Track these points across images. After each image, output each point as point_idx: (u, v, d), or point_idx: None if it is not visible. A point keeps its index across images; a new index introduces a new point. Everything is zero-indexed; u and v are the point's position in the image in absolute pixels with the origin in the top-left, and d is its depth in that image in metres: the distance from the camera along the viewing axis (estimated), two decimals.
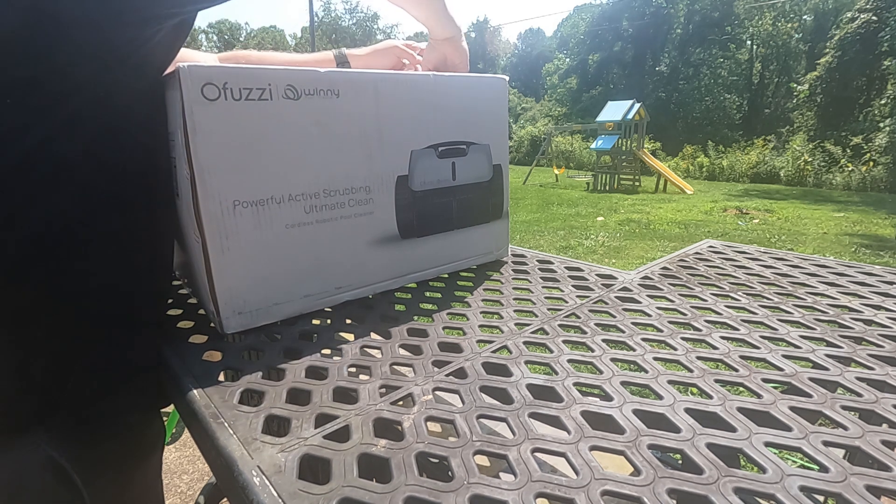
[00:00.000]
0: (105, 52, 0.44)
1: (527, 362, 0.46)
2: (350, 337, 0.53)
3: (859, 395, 0.40)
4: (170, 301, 0.65)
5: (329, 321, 0.57)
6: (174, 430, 1.76)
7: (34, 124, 0.42)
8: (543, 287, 0.68)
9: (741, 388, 0.42)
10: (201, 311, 0.61)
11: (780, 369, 0.45)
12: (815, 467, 0.32)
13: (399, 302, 0.62)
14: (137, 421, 0.54)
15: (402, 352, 0.50)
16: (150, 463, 0.57)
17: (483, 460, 0.34)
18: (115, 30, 0.43)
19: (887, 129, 10.51)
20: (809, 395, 0.40)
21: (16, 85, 0.41)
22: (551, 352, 0.49)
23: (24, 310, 0.44)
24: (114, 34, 0.43)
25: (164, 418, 1.85)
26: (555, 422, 0.38)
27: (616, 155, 10.00)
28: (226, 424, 0.37)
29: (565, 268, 0.76)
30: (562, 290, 0.66)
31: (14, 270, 0.43)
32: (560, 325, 0.55)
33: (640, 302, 0.61)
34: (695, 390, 0.42)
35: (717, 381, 0.42)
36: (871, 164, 10.41)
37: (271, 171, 0.51)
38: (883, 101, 11.58)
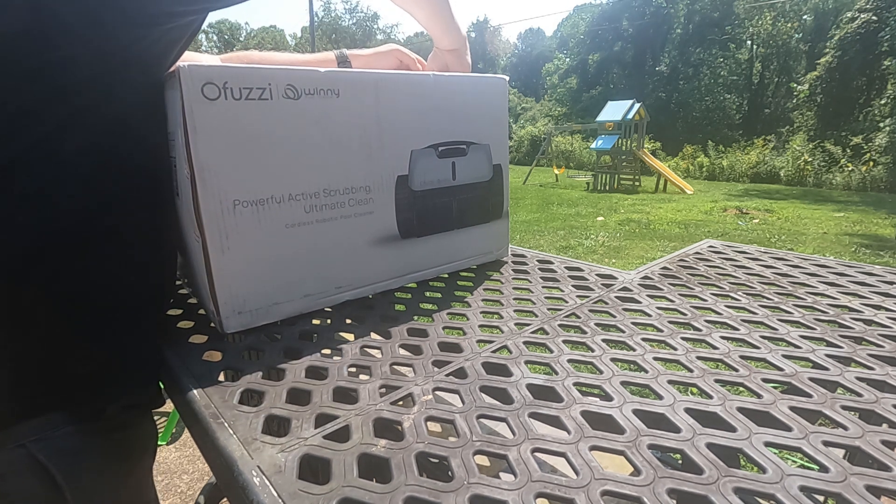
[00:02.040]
0: (111, 50, 0.44)
1: (527, 362, 0.46)
2: (350, 337, 0.53)
3: (859, 395, 0.40)
4: (171, 301, 0.64)
5: (329, 321, 0.57)
6: (174, 430, 1.76)
7: (37, 119, 0.42)
8: (543, 287, 0.68)
9: (741, 388, 0.42)
10: (201, 311, 0.61)
11: (780, 369, 0.45)
12: (815, 467, 0.32)
13: (399, 302, 0.62)
14: (126, 422, 0.53)
15: (402, 352, 0.50)
16: (138, 466, 0.56)
17: (483, 460, 0.34)
18: (120, 28, 0.43)
19: (887, 129, 10.51)
20: (809, 395, 0.40)
21: (20, 77, 0.41)
22: (551, 352, 0.49)
23: (24, 307, 0.44)
24: (119, 32, 0.43)
25: (164, 418, 1.85)
26: (555, 422, 0.38)
27: (616, 155, 9.99)
28: (226, 424, 0.37)
29: (565, 268, 0.76)
30: (562, 290, 0.66)
31: (15, 267, 0.43)
32: (560, 325, 0.55)
33: (640, 302, 0.61)
34: (695, 390, 0.42)
35: (717, 380, 0.42)
36: (871, 164, 10.41)
37: (271, 171, 0.51)
38: (883, 101, 11.58)
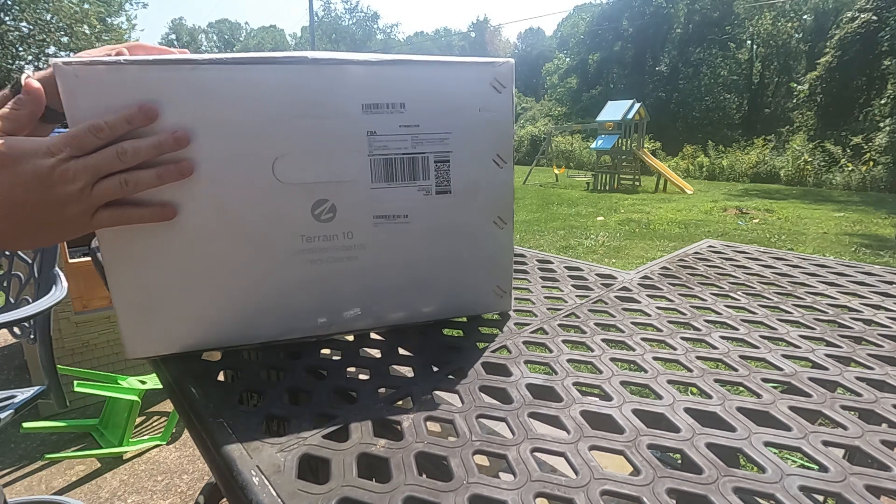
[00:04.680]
0: None
1: (526, 362, 0.46)
2: (350, 337, 0.53)
3: (859, 394, 0.40)
4: None
5: None
6: (174, 430, 1.76)
7: None
8: (543, 287, 0.68)
9: (741, 388, 0.42)
10: None
11: (780, 369, 0.45)
12: (815, 467, 0.32)
13: None
14: None
15: (402, 352, 0.50)
16: None
17: (482, 460, 0.34)
18: None
19: (887, 128, 10.52)
20: (809, 395, 0.40)
21: None
22: (551, 351, 0.49)
23: None
24: None
25: (165, 418, 1.85)
26: (554, 421, 0.38)
27: (616, 155, 10.00)
28: (225, 424, 0.37)
29: (565, 267, 0.76)
30: (561, 290, 0.66)
31: None
32: (560, 325, 0.55)
33: (639, 302, 0.61)
34: (694, 390, 0.42)
35: (716, 380, 0.42)
36: (871, 163, 10.41)
37: None
38: (883, 101, 11.58)
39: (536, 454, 0.34)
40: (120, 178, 0.38)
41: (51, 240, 0.38)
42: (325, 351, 0.50)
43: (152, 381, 1.79)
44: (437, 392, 0.42)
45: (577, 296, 0.64)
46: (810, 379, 0.43)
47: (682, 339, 0.51)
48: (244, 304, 0.47)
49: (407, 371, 0.46)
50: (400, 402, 0.41)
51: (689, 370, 0.44)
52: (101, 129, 0.37)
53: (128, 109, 0.38)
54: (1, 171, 0.34)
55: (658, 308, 0.59)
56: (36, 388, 1.14)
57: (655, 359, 0.46)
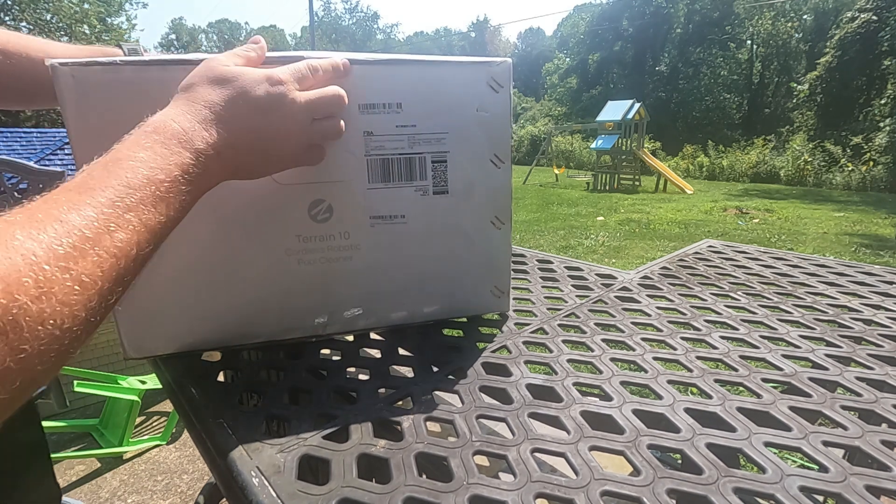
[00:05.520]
0: None
1: (526, 362, 0.46)
2: (350, 337, 0.53)
3: (859, 394, 0.40)
4: None
5: None
6: (174, 430, 1.76)
7: None
8: (543, 287, 0.68)
9: (741, 388, 0.42)
10: None
11: (780, 369, 0.45)
12: (815, 467, 0.32)
13: None
14: None
15: (402, 352, 0.50)
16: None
17: (483, 460, 0.34)
18: None
19: (887, 128, 10.52)
20: (809, 395, 0.40)
21: None
22: (551, 352, 0.49)
23: None
24: None
25: (165, 418, 1.85)
26: (554, 422, 0.38)
27: (616, 155, 10.01)
28: (225, 424, 0.37)
29: (565, 267, 0.76)
30: (561, 290, 0.66)
31: None
32: (560, 325, 0.55)
33: (639, 302, 0.61)
34: (694, 390, 0.42)
35: (716, 380, 0.42)
36: (871, 163, 10.42)
37: None
38: (883, 101, 11.58)
39: (536, 454, 0.34)
40: (337, 122, 0.40)
41: (279, 168, 0.39)
42: (325, 351, 0.50)
43: (152, 381, 1.79)
44: (437, 392, 0.42)
45: (577, 296, 0.64)
46: (810, 379, 0.43)
47: (682, 339, 0.51)
48: (241, 304, 0.47)
49: (407, 371, 0.46)
50: (400, 403, 0.41)
51: (690, 370, 0.44)
52: (318, 70, 0.38)
53: (330, 62, 0.40)
54: (238, 98, 0.34)
55: (658, 308, 0.59)
56: None
57: (655, 359, 0.46)
